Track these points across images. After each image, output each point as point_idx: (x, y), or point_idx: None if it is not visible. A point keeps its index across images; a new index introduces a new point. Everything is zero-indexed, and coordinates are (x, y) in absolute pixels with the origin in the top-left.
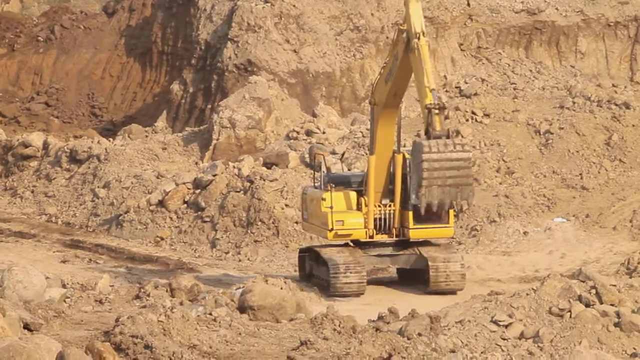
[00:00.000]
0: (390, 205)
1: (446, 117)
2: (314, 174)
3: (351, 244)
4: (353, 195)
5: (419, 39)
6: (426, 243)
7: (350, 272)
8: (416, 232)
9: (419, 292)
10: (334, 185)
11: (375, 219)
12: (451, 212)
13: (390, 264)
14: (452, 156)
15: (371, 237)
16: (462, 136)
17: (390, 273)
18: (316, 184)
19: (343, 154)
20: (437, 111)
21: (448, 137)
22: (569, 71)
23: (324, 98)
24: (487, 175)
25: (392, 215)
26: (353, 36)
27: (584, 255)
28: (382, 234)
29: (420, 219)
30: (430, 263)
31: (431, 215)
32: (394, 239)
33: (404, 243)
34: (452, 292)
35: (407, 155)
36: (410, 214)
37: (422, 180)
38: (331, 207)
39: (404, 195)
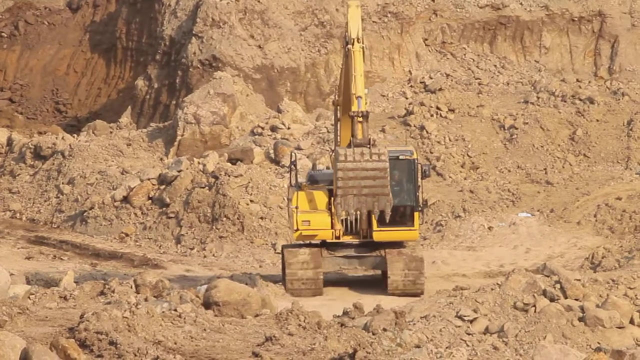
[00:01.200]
0: None
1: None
2: (290, 172)
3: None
4: (324, 194)
5: (353, 44)
6: (393, 245)
7: (305, 272)
8: (380, 234)
9: (384, 288)
10: (307, 184)
11: (342, 220)
12: (416, 214)
13: (358, 265)
14: (367, 165)
15: (337, 237)
16: (377, 145)
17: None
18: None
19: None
20: (360, 119)
21: (369, 146)
22: (533, 66)
23: (288, 94)
24: (451, 170)
25: (359, 217)
26: (318, 32)
27: (549, 250)
28: (349, 235)
29: (385, 221)
30: (389, 267)
31: (396, 218)
32: (361, 240)
33: (370, 245)
34: (412, 296)
35: None
36: (374, 216)
37: (338, 189)
38: (297, 207)
39: None
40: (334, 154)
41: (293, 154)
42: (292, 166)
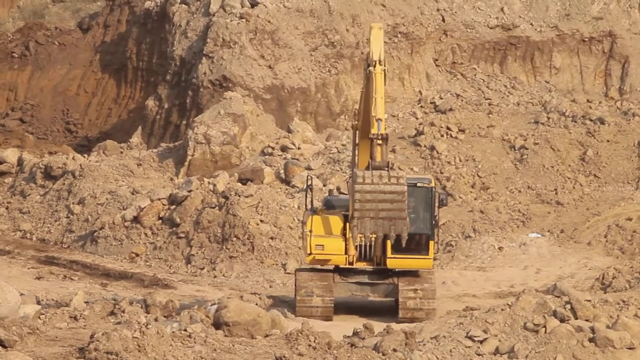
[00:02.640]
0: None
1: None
2: (306, 196)
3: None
4: (340, 219)
5: (374, 67)
6: (406, 273)
7: (315, 296)
8: (394, 262)
9: (395, 316)
10: (323, 208)
11: (357, 246)
12: (431, 243)
13: (370, 292)
14: (385, 189)
15: (351, 263)
16: (399, 169)
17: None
18: (307, 207)
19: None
20: (379, 142)
21: (388, 169)
22: (543, 86)
23: (299, 114)
24: (462, 190)
25: (373, 243)
26: (328, 52)
27: (559, 271)
28: (363, 261)
29: (399, 249)
30: (400, 297)
31: (411, 245)
32: (375, 267)
33: (384, 272)
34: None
35: None
36: (389, 242)
37: (355, 212)
38: (310, 231)
39: None
40: (351, 176)
41: (309, 178)
42: (308, 190)
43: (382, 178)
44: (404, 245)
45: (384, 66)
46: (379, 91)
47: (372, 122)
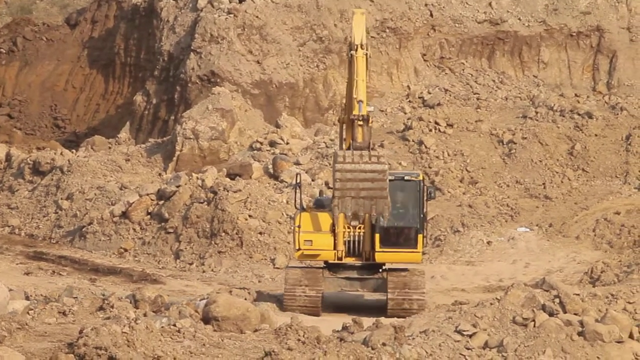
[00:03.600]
0: (360, 227)
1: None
2: (295, 193)
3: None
4: (329, 216)
5: (356, 50)
6: (395, 268)
7: (301, 292)
8: (382, 255)
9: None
10: (313, 207)
11: (346, 242)
12: (420, 237)
13: (360, 288)
14: (366, 167)
15: (340, 258)
16: (379, 149)
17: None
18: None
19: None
20: (360, 122)
21: (369, 149)
22: (531, 81)
23: (287, 109)
24: (450, 185)
25: (361, 238)
26: (316, 47)
27: (548, 265)
28: (352, 256)
29: (388, 242)
30: (389, 291)
31: (399, 239)
32: (363, 262)
33: (373, 267)
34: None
35: None
36: (377, 236)
37: (335, 191)
38: (299, 227)
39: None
40: (333, 156)
41: (298, 175)
42: (297, 187)
43: (362, 157)
44: (386, 223)
45: (366, 50)
46: (360, 74)
47: (354, 104)
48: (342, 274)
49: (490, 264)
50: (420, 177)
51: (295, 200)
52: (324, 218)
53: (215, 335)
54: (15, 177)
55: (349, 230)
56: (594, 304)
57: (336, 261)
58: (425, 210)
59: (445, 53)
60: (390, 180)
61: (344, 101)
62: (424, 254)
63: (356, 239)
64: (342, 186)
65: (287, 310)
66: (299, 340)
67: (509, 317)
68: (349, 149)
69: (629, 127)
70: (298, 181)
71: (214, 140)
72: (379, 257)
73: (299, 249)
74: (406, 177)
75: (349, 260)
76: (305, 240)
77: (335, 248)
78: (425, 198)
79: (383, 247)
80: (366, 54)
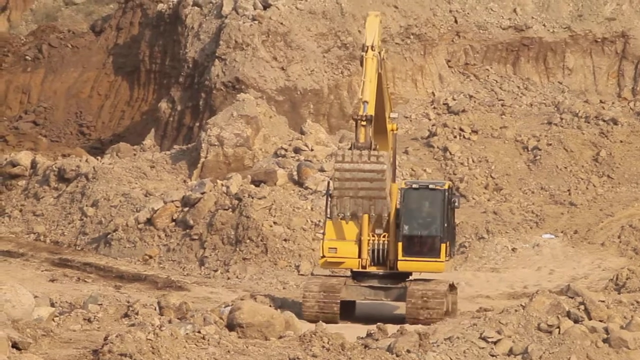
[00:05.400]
0: (384, 236)
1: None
2: (327, 202)
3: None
4: (355, 225)
5: (366, 52)
6: (421, 278)
7: (318, 300)
8: (405, 264)
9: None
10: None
11: (370, 250)
12: (443, 246)
13: (383, 297)
14: (364, 167)
15: (364, 267)
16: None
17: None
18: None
19: None
20: (363, 123)
21: (370, 149)
22: (556, 87)
23: (311, 115)
24: (475, 191)
25: (386, 247)
26: (340, 53)
27: (573, 272)
28: (377, 265)
29: (410, 251)
30: (408, 297)
31: (422, 248)
32: (387, 271)
33: (397, 276)
34: (430, 324)
35: (402, 185)
36: (400, 244)
37: (334, 191)
38: (323, 234)
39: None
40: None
41: (329, 183)
42: (328, 196)
43: (361, 157)
44: (384, 225)
45: (378, 51)
46: (367, 75)
47: (360, 105)
48: (365, 282)
49: (515, 270)
50: (446, 186)
51: (326, 208)
52: (350, 226)
53: (239, 342)
54: (41, 184)
55: (373, 238)
56: (619, 310)
57: (360, 269)
58: (451, 219)
59: (469, 59)
60: (414, 188)
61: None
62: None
63: (381, 247)
64: (340, 185)
65: (303, 318)
66: (323, 347)
67: (534, 323)
68: (350, 148)
69: None
70: (328, 189)
71: (239, 147)
72: (402, 265)
73: (324, 256)
74: (430, 186)
75: (373, 269)
76: (329, 248)
77: (359, 256)
78: (449, 207)
79: (406, 255)
80: (378, 56)
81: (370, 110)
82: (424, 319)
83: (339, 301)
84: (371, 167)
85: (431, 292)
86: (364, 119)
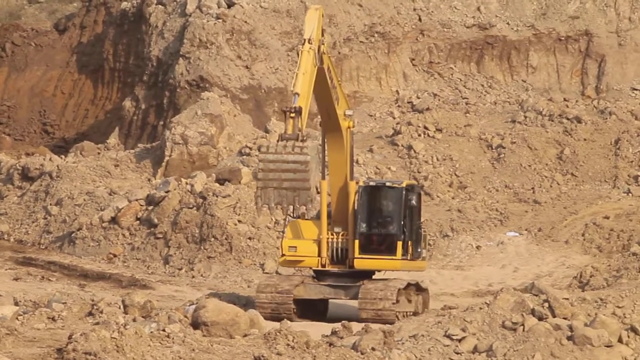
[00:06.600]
0: (343, 235)
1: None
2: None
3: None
4: (314, 225)
5: (303, 44)
6: (381, 278)
7: (271, 300)
8: (361, 262)
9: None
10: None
11: (330, 249)
12: (399, 243)
13: (343, 295)
14: (288, 158)
15: (324, 266)
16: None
17: None
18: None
19: None
20: (292, 114)
21: (295, 140)
22: (520, 85)
23: (276, 113)
24: (439, 189)
25: (345, 245)
26: None
27: (537, 269)
28: (336, 264)
29: (367, 249)
30: (359, 296)
31: (379, 246)
32: (346, 269)
33: (357, 275)
34: (385, 323)
35: (360, 183)
36: (357, 242)
37: (258, 182)
38: (283, 233)
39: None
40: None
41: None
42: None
43: (285, 148)
44: (306, 216)
45: (317, 45)
46: (302, 67)
47: (292, 96)
48: (325, 281)
49: (480, 268)
50: (404, 185)
51: (293, 211)
52: (310, 226)
53: (204, 341)
54: (4, 182)
55: (333, 237)
56: (583, 308)
57: (320, 268)
58: (413, 218)
59: (434, 58)
60: (372, 186)
61: None
62: (417, 259)
63: (340, 246)
64: (264, 177)
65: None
66: (288, 345)
67: (498, 321)
68: (278, 140)
69: (617, 131)
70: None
71: (203, 146)
72: (358, 263)
73: (283, 255)
74: (388, 184)
75: (333, 268)
76: (289, 247)
77: (319, 255)
78: (408, 205)
79: (362, 253)
80: (315, 49)
81: (301, 102)
82: (372, 317)
83: (291, 300)
84: (295, 158)
85: (382, 291)
86: (292, 110)
